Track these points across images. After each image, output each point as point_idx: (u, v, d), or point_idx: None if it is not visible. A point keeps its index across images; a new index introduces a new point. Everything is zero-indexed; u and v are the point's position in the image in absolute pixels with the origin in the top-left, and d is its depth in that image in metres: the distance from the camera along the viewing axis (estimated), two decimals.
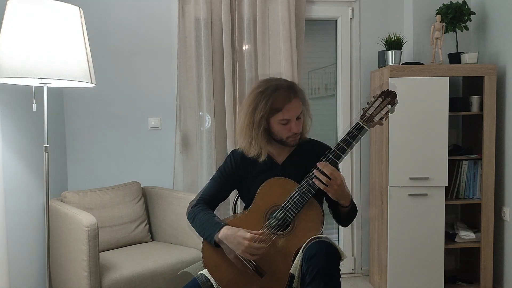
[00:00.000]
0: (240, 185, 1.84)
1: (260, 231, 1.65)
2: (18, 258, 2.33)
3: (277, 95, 1.65)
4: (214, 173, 1.90)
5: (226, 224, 1.68)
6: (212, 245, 1.68)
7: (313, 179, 1.64)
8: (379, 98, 1.66)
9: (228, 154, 1.89)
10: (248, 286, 1.67)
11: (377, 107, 1.65)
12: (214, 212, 1.81)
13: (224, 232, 1.64)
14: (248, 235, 1.60)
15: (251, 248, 1.60)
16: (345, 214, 1.77)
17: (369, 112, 1.65)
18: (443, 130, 2.76)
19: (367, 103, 1.67)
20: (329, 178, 1.61)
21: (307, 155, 1.77)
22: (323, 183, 1.62)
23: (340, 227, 3.30)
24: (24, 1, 1.79)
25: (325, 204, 1.85)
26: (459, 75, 2.81)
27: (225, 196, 1.87)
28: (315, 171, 1.64)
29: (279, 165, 1.79)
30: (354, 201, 1.90)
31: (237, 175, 1.82)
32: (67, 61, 1.85)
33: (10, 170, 2.27)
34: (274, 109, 1.65)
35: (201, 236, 1.74)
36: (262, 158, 1.74)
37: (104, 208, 2.63)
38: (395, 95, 1.67)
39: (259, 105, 1.65)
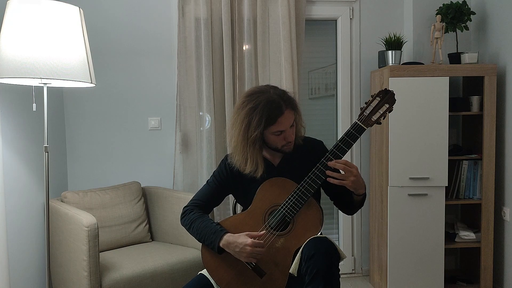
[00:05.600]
0: (236, 189, 1.83)
1: (262, 232, 1.65)
2: (18, 258, 2.33)
3: (269, 110, 1.61)
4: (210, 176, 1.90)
5: (226, 232, 1.68)
6: (213, 251, 1.68)
7: (328, 179, 1.63)
8: (376, 98, 1.66)
9: (222, 159, 1.87)
10: (248, 286, 1.67)
11: (374, 107, 1.65)
12: (214, 213, 1.81)
13: (226, 240, 1.64)
14: (249, 240, 1.60)
15: (253, 253, 1.60)
16: (358, 202, 1.76)
17: (367, 112, 1.65)
18: (443, 130, 2.76)
19: (365, 103, 1.67)
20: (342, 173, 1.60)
21: (302, 154, 1.78)
22: (338, 179, 1.61)
23: (339, 227, 3.30)
24: (24, 1, 1.79)
25: (323, 202, 1.85)
26: (459, 75, 2.81)
27: (219, 201, 1.87)
28: (327, 172, 1.63)
29: (275, 167, 1.79)
30: None
31: (232, 180, 1.81)
32: (67, 61, 1.85)
33: (10, 170, 2.27)
34: (268, 124, 1.63)
35: (200, 242, 1.74)
36: (259, 174, 1.71)
37: (104, 208, 2.63)
38: (393, 94, 1.66)
39: (252, 122, 1.62)
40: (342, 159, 1.63)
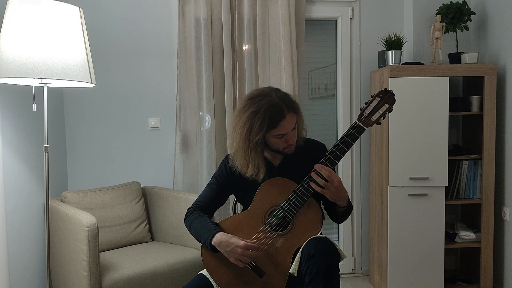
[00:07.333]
0: (237, 189, 1.84)
1: (253, 241, 1.65)
2: (18, 258, 2.33)
3: (271, 114, 1.60)
4: (212, 175, 1.89)
5: (220, 230, 1.68)
6: (209, 250, 1.69)
7: (310, 182, 1.63)
8: (376, 98, 1.66)
9: (222, 159, 1.87)
10: (248, 286, 1.67)
11: (374, 107, 1.65)
12: (214, 214, 1.81)
13: (218, 238, 1.64)
14: (242, 243, 1.60)
15: (243, 256, 1.60)
16: (341, 213, 1.77)
17: (367, 112, 1.65)
18: (443, 130, 2.76)
19: (365, 103, 1.67)
20: (326, 181, 1.61)
21: (303, 155, 1.77)
22: (320, 186, 1.62)
23: (339, 226, 3.31)
24: (24, 1, 1.79)
25: None
26: (459, 75, 2.81)
27: (222, 202, 1.87)
28: (312, 174, 1.63)
29: (276, 167, 1.79)
30: (354, 200, 1.90)
31: (232, 181, 1.81)
32: (67, 61, 1.85)
33: (10, 170, 2.27)
34: (270, 127, 1.62)
35: (199, 242, 1.75)
36: (261, 177, 1.71)
37: (104, 208, 2.63)
38: (393, 94, 1.66)
39: (254, 126, 1.61)
40: (329, 168, 1.63)
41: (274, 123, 1.61)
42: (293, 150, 1.73)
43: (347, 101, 3.22)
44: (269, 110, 1.60)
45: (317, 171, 1.62)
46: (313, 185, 1.62)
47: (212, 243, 1.65)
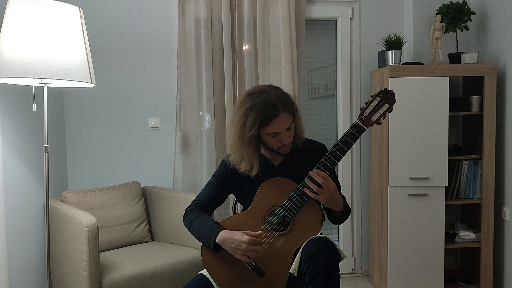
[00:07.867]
0: (236, 189, 1.84)
1: (259, 232, 1.65)
2: (18, 258, 2.33)
3: (264, 111, 1.61)
4: (212, 175, 1.90)
5: (223, 228, 1.68)
6: (212, 250, 1.68)
7: (304, 188, 1.63)
8: (376, 98, 1.66)
9: (223, 159, 1.88)
10: (248, 286, 1.67)
11: (374, 107, 1.65)
12: (214, 213, 1.81)
13: (222, 236, 1.64)
14: (245, 238, 1.60)
15: (248, 251, 1.60)
16: (337, 217, 1.79)
17: (367, 112, 1.65)
18: (443, 130, 2.76)
19: (365, 103, 1.67)
20: (321, 187, 1.61)
21: (303, 155, 1.78)
22: (313, 192, 1.62)
23: (339, 226, 3.31)
24: (24, 1, 1.79)
25: None
26: (459, 75, 2.81)
27: (221, 202, 1.87)
28: (306, 180, 1.64)
29: (276, 167, 1.79)
30: (354, 200, 1.88)
31: (232, 180, 1.81)
32: (67, 61, 1.85)
33: (10, 170, 2.27)
34: (262, 124, 1.62)
35: (199, 241, 1.74)
36: (254, 173, 1.71)
37: (104, 208, 2.63)
38: (393, 94, 1.66)
39: (248, 122, 1.62)
40: (324, 174, 1.63)
41: (266, 120, 1.61)
42: (288, 151, 1.73)
43: (347, 101, 3.22)
44: (263, 107, 1.61)
45: (311, 177, 1.63)
46: (307, 191, 1.63)
47: (217, 241, 1.65)
